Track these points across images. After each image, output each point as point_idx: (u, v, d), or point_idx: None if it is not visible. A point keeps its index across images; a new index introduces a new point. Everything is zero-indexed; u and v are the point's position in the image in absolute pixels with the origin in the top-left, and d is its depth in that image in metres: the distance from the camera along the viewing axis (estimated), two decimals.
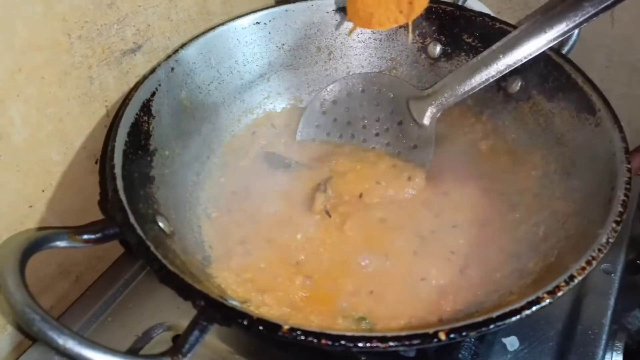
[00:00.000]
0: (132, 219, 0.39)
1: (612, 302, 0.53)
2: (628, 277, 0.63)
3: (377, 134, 0.61)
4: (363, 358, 0.47)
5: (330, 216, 0.53)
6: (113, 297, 0.54)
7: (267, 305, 0.46)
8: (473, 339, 0.48)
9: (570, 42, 0.57)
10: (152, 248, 0.37)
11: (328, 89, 0.63)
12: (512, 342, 0.50)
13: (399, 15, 0.53)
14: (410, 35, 0.55)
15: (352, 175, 0.57)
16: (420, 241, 0.51)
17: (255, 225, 0.53)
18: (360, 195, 0.55)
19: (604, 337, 0.50)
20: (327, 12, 0.62)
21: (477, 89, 0.55)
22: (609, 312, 0.52)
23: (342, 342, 0.32)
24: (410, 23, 0.54)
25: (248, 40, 0.60)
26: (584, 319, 0.52)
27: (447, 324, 0.33)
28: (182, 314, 0.53)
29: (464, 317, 0.37)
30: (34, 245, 0.35)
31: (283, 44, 0.62)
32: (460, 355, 0.46)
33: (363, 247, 0.51)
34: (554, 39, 0.51)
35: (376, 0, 0.52)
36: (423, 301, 0.46)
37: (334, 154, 0.60)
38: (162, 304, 0.53)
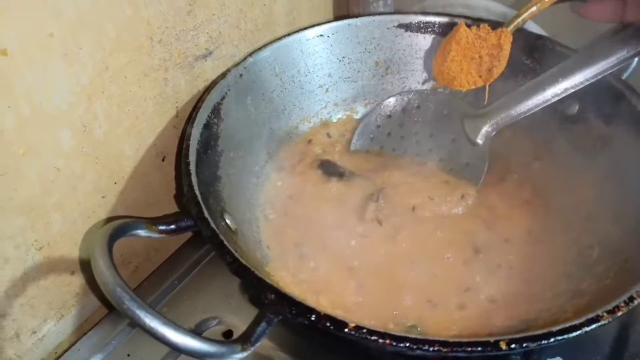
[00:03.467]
0: (206, 213, 0.41)
1: None
2: None
3: (430, 150, 0.62)
4: None
5: (381, 224, 0.55)
6: (169, 288, 0.57)
7: (321, 307, 0.46)
8: (519, 357, 0.48)
9: (630, 69, 0.57)
10: (225, 241, 0.39)
11: (384, 104, 0.65)
12: None
13: (478, 79, 0.59)
14: (487, 96, 0.60)
15: (404, 188, 0.58)
16: (472, 255, 0.52)
17: (310, 229, 0.54)
18: (413, 209, 0.56)
19: None
20: (388, 28, 0.64)
21: (534, 110, 0.56)
22: None
23: (407, 343, 0.33)
24: (487, 86, 0.60)
25: (311, 51, 0.62)
26: (631, 345, 0.51)
27: (514, 334, 0.34)
28: (233, 310, 0.55)
29: (513, 333, 0.38)
30: (119, 231, 0.38)
31: (344, 57, 0.64)
32: None
33: (415, 258, 0.52)
34: (614, 65, 0.52)
35: (459, 67, 0.58)
36: (474, 314, 0.47)
37: (387, 166, 0.61)
38: (215, 299, 0.56)
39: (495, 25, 0.59)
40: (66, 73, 0.43)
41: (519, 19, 0.59)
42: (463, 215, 0.56)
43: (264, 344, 0.52)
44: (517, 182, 0.60)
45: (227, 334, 0.54)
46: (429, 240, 0.54)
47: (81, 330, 0.55)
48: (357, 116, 0.67)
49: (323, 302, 0.48)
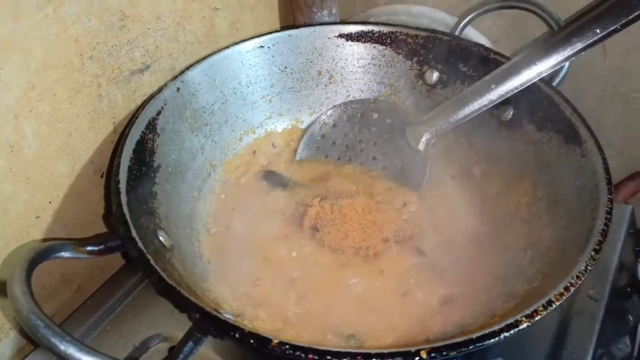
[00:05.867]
0: (134, 233, 0.40)
1: (597, 327, 0.54)
2: (618, 303, 0.64)
3: (374, 158, 0.63)
4: None
5: (318, 231, 0.55)
6: (113, 307, 0.56)
7: (260, 320, 0.47)
8: None
9: (562, 74, 0.59)
10: (152, 261, 0.39)
11: (328, 113, 0.66)
12: None
13: None
14: None
15: (347, 196, 0.59)
16: (412, 262, 0.53)
17: (252, 242, 0.55)
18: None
19: None
20: (329, 38, 0.64)
21: (471, 117, 0.57)
22: (594, 337, 0.53)
23: (328, 357, 0.34)
24: None
25: (252, 62, 0.62)
26: (569, 342, 0.53)
27: (434, 343, 0.35)
28: (178, 326, 0.54)
29: (450, 338, 0.39)
30: (41, 255, 0.37)
31: (285, 67, 0.64)
32: None
33: (356, 267, 0.53)
34: (545, 71, 0.53)
35: None
36: (411, 320, 0.48)
37: (332, 175, 0.62)
38: (160, 316, 0.55)
39: None
40: None
41: None
42: (405, 222, 0.57)
43: None
44: (458, 187, 0.61)
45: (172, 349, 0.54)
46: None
47: (22, 353, 0.54)
48: (303, 126, 0.67)
49: (262, 315, 0.48)
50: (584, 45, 0.52)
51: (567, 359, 0.52)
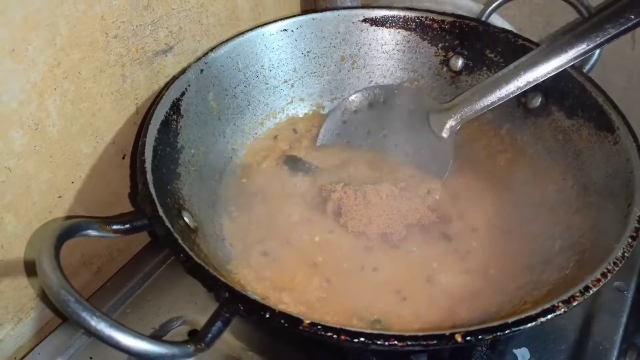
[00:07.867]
0: (160, 212, 0.40)
1: (624, 319, 0.53)
2: None
3: (396, 145, 0.62)
4: None
5: (341, 217, 0.54)
6: (132, 289, 0.56)
7: (284, 304, 0.47)
8: (485, 348, 0.48)
9: (591, 62, 0.58)
10: (180, 240, 0.38)
11: (350, 99, 0.65)
12: (523, 354, 0.51)
13: None
14: None
15: (370, 183, 0.58)
16: (437, 248, 0.52)
17: (274, 226, 0.54)
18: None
19: (615, 353, 0.51)
20: (353, 22, 0.63)
21: (497, 104, 0.56)
22: (621, 330, 0.52)
23: (361, 338, 0.33)
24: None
25: (275, 46, 0.61)
26: (595, 334, 0.52)
27: (469, 327, 0.34)
28: (198, 310, 0.54)
29: (478, 324, 0.38)
30: (68, 231, 0.37)
31: (308, 52, 0.63)
32: None
33: (380, 252, 0.52)
34: (575, 58, 0.52)
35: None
36: (438, 307, 0.47)
37: (353, 161, 0.61)
38: (180, 299, 0.55)
39: None
40: (14, 70, 0.42)
41: None
42: (429, 209, 0.56)
43: (235, 344, 0.51)
44: (483, 175, 0.59)
45: (193, 333, 0.53)
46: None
47: (42, 334, 0.54)
48: (324, 111, 0.66)
49: (286, 299, 0.47)
50: (617, 31, 0.51)
51: (592, 350, 0.51)
